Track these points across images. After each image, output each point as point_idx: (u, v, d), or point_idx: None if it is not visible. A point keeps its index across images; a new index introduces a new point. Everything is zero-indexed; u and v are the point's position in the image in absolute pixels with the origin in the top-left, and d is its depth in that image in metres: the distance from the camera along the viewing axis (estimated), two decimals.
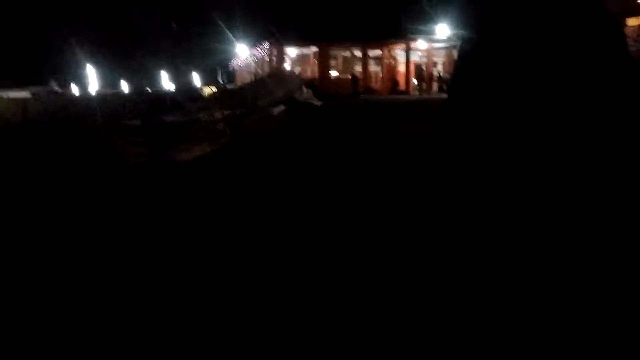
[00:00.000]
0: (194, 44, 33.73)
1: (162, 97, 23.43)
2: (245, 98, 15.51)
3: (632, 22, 17.98)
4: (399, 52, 27.88)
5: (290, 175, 5.99)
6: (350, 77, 26.44)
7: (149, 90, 30.73)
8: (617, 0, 17.86)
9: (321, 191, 5.33)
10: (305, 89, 19.10)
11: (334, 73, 28.84)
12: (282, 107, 12.13)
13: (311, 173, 5.99)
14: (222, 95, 19.19)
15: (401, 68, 28.03)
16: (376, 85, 28.41)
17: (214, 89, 26.77)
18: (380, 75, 28.77)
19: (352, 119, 11.63)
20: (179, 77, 38.22)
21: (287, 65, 30.00)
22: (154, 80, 36.37)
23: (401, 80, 27.39)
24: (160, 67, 37.78)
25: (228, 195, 5.47)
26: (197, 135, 8.85)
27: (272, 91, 18.20)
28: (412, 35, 25.10)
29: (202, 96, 24.51)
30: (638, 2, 17.25)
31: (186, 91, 24.95)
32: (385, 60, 28.50)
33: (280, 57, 27.46)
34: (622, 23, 18.26)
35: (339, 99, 20.41)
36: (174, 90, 30.54)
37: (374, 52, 28.70)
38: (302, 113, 13.28)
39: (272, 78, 20.27)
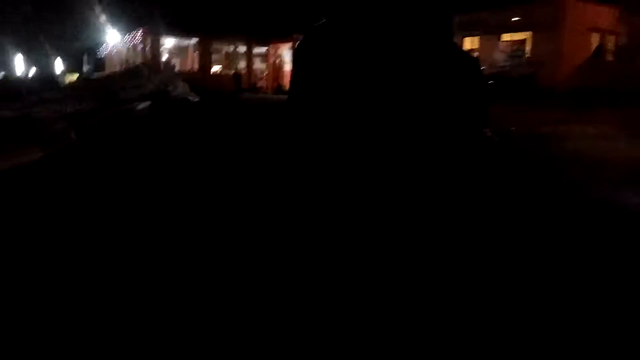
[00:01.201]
0: (55, 24, 29.60)
1: (12, 84, 19.96)
2: (107, 90, 13.33)
3: (506, 37, 18.79)
4: (285, 51, 26.84)
5: (135, 195, 4.46)
6: (232, 73, 24.86)
7: None
8: (494, 17, 18.81)
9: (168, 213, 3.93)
10: (181, 83, 17.15)
11: (216, 68, 27.02)
12: (147, 103, 10.25)
13: (163, 194, 4.52)
14: (82, 86, 16.62)
15: (287, 68, 27.02)
16: (261, 83, 27.15)
17: (75, 78, 23.56)
18: (266, 74, 27.54)
19: (229, 119, 10.21)
20: (39, 62, 33.62)
21: (165, 57, 27.56)
22: (7, 65, 31.53)
23: (287, 80, 26.38)
24: (16, 49, 32.90)
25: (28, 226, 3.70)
26: (25, 136, 6.85)
27: (142, 83, 16.08)
28: (299, 35, 24.19)
29: (59, 86, 21.34)
30: (512, 20, 18.01)
31: (43, 79, 21.57)
32: (271, 59, 27.31)
33: (156, 47, 25.00)
34: (497, 37, 19.03)
35: (219, 96, 18.79)
36: (31, 77, 26.58)
37: (260, 49, 27.39)
38: (173, 110, 11.53)
39: (143, 69, 18.04)
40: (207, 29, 23.92)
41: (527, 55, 17.75)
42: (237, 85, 23.47)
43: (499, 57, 17.71)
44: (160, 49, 25.40)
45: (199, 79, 23.47)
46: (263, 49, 27.19)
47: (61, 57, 32.01)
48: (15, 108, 9.72)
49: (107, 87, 15.22)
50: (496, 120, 10.55)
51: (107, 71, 28.76)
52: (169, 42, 26.27)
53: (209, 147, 6.77)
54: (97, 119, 8.64)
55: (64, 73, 28.75)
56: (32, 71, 31.57)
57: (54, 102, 11.25)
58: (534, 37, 17.48)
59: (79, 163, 5.83)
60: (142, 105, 9.90)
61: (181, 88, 17.40)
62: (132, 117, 9.17)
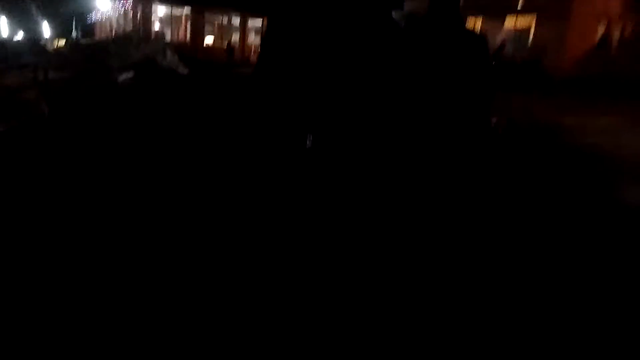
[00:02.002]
0: None
1: None
2: (92, 57, 12.59)
3: (510, 20, 18.12)
4: None
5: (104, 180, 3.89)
6: (225, 46, 23.98)
7: None
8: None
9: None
10: (170, 53, 16.38)
11: (209, 40, 26.10)
12: (131, 73, 9.53)
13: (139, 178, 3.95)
14: (66, 52, 15.82)
15: None
16: (255, 58, 26.31)
17: (61, 43, 22.64)
18: None
19: (217, 95, 9.58)
20: (27, 25, 32.40)
21: (157, 26, 26.59)
22: None
23: None
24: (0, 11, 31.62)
25: None
26: None
27: (130, 52, 15.33)
28: None
29: (45, 50, 20.45)
30: (517, 2, 17.33)
31: (28, 43, 20.63)
32: None
33: (148, 15, 24.05)
34: (501, 20, 18.34)
35: (210, 69, 18.07)
36: (17, 41, 25.51)
37: (255, 23, 26.46)
38: (159, 82, 10.85)
39: (132, 36, 17.25)
40: None
41: (531, 40, 17.13)
42: (230, 58, 22.65)
43: (502, 40, 17.04)
44: (152, 18, 24.45)
45: (191, 50, 22.65)
46: (258, 23, 26.27)
47: (49, 22, 30.89)
48: None
49: (92, 55, 14.44)
50: (499, 108, 10.03)
51: (97, 38, 27.80)
52: (161, 11, 25.30)
53: (188, 124, 6.18)
54: (76, 88, 7.97)
55: (52, 38, 27.72)
56: (19, 35, 30.40)
57: (30, 68, 10.53)
58: (539, 22, 16.84)
59: (39, 141, 5.20)
60: (126, 76, 9.21)
61: (170, 59, 16.63)
62: (115, 88, 8.50)
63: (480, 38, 2.72)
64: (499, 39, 16.49)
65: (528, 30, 17.41)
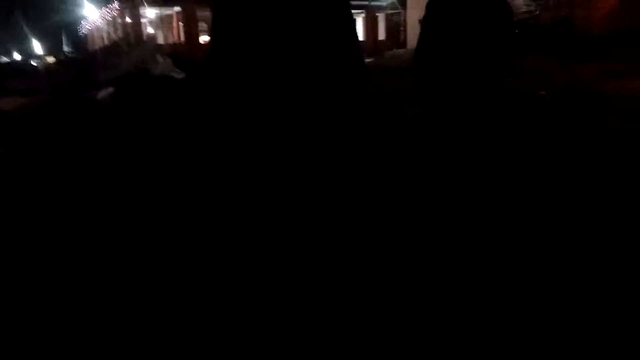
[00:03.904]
0: (27, 1, 27.23)
1: None
2: (73, 75, 11.46)
3: None
4: None
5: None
6: None
7: None
8: None
9: None
10: (161, 58, 15.16)
11: (205, 38, 24.79)
12: (110, 90, 8.32)
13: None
14: (43, 72, 14.74)
15: None
16: None
17: (52, 60, 21.57)
18: None
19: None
20: (19, 45, 31.42)
21: (150, 29, 25.38)
22: None
23: None
24: None
25: None
26: None
27: (118, 62, 14.16)
28: None
29: (34, 70, 19.39)
30: None
31: (12, 65, 19.62)
32: None
33: (136, 19, 22.79)
34: None
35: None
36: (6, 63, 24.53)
37: None
38: (148, 93, 9.62)
39: (119, 45, 16.07)
40: None
41: None
42: None
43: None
44: (141, 21, 23.21)
45: (185, 50, 21.39)
46: None
47: (40, 39, 29.83)
48: None
49: (82, 70, 13.30)
50: (537, 77, 8.64)
51: (89, 49, 26.70)
52: (150, 13, 24.03)
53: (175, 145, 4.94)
54: (43, 115, 6.79)
55: (43, 56, 26.65)
56: (15, 55, 29.48)
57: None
58: None
59: None
60: (103, 94, 8.02)
61: (162, 64, 15.39)
62: (91, 109, 7.30)
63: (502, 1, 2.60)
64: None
65: None
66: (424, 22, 2.82)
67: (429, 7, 2.73)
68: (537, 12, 14.47)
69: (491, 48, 2.58)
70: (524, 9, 15.43)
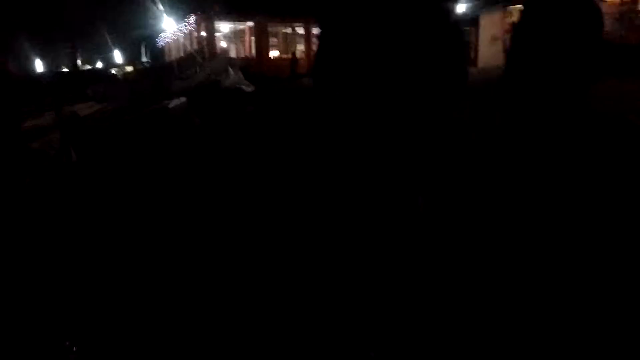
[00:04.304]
0: (114, 14, 28.92)
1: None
2: (147, 84, 11.87)
3: None
4: None
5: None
6: (290, 57, 22.98)
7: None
8: None
9: None
10: (233, 71, 15.49)
11: (275, 53, 25.28)
12: (182, 100, 8.46)
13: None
14: (133, 78, 15.42)
15: None
16: None
17: (130, 69, 22.64)
18: None
19: (282, 117, 8.31)
20: (102, 54, 33.39)
21: (223, 43, 26.18)
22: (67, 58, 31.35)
23: None
24: (78, 43, 32.76)
25: None
26: None
27: (190, 74, 14.60)
28: None
29: (113, 77, 20.45)
30: None
31: (91, 73, 20.76)
32: None
33: (211, 33, 23.59)
34: None
35: (277, 84, 17.06)
36: (88, 69, 26.08)
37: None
38: (219, 105, 9.81)
39: (194, 57, 16.59)
40: (263, 10, 22.14)
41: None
42: (293, 70, 21.52)
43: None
44: (215, 35, 23.99)
45: (256, 64, 21.87)
46: None
47: (120, 49, 31.56)
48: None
49: (158, 78, 13.76)
50: (620, 99, 8.03)
51: (167, 60, 27.88)
52: (224, 27, 24.82)
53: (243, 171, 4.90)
54: (113, 124, 6.99)
55: (122, 65, 28.19)
56: (97, 63, 31.31)
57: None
58: None
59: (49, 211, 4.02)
60: (175, 103, 8.17)
61: (234, 77, 15.75)
62: (164, 119, 7.47)
63: (596, 10, 2.51)
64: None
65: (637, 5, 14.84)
66: (515, 32, 2.81)
67: (523, 17, 2.74)
68: (622, 33, 13.64)
69: (583, 62, 2.53)
70: (608, 28, 14.59)
